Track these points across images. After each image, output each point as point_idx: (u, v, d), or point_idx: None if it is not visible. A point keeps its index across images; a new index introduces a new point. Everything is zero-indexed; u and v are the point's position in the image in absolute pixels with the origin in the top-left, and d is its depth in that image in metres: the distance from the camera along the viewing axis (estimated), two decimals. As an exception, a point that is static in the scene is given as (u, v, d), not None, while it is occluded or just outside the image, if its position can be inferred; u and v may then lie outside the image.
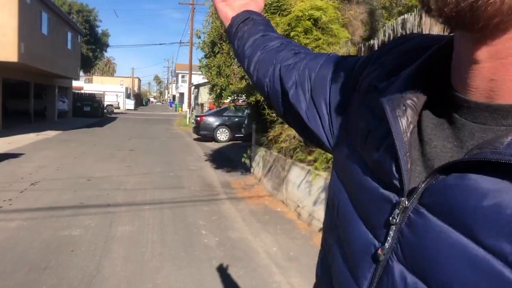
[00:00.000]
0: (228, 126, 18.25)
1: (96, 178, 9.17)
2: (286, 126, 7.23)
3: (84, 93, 38.23)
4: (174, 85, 75.48)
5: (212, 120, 18.25)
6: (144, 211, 6.72)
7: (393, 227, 0.52)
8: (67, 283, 4.04)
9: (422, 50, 0.61)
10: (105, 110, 38.24)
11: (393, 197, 0.53)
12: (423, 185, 0.50)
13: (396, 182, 0.53)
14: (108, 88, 58.19)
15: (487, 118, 0.49)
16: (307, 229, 6.11)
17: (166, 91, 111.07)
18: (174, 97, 70.49)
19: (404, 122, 0.54)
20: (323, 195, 5.84)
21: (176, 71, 65.75)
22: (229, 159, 12.78)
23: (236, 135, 18.02)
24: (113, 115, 38.58)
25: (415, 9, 6.92)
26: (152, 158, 12.60)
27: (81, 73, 40.17)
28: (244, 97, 8.73)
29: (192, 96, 36.82)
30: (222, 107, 17.00)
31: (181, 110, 49.98)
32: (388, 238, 0.53)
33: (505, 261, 0.41)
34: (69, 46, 25.83)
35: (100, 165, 10.88)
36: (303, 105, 0.81)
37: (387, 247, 0.53)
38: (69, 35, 25.73)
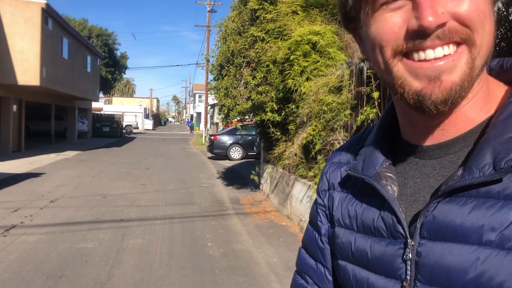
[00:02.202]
0: (241, 145, 18.67)
1: (112, 196, 9.63)
2: (290, 143, 7.60)
3: (104, 114, 39.32)
4: (191, 105, 76.69)
5: (226, 139, 18.72)
6: (155, 226, 7.12)
7: (408, 262, 0.66)
8: (81, 289, 4.43)
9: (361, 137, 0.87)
10: (123, 130, 39.17)
11: (400, 242, 0.68)
12: (418, 225, 0.65)
13: (401, 230, 0.68)
14: (127, 109, 59.58)
15: (439, 154, 0.69)
16: (308, 242, 6.41)
17: (184, 111, 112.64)
18: (192, 116, 71.55)
19: (389, 188, 0.71)
20: (322, 209, 6.16)
21: (194, 91, 66.80)
22: (241, 176, 13.15)
23: (249, 153, 18.43)
24: (132, 135, 39.47)
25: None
26: (167, 176, 13.06)
27: (101, 95, 41.30)
28: (250, 117, 9.16)
29: (208, 115, 37.47)
30: (242, 125, 17.44)
31: (198, 129, 50.78)
32: (408, 271, 0.66)
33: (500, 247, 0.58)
34: (88, 69, 26.79)
35: (116, 184, 11.37)
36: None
37: (409, 278, 0.66)
38: (89, 58, 26.71)
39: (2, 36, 16.35)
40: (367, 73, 5.04)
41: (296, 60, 6.80)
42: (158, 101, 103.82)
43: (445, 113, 0.65)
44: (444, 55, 0.60)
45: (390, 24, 0.63)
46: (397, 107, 0.74)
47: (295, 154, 7.18)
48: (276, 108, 7.89)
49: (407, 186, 0.71)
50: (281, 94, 7.59)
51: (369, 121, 4.97)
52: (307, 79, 6.79)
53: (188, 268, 5.15)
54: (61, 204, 8.59)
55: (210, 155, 19.69)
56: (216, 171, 14.85)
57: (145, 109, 66.87)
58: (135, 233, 6.66)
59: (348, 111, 5.60)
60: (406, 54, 0.62)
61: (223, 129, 22.26)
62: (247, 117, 9.45)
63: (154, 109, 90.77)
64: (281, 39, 7.50)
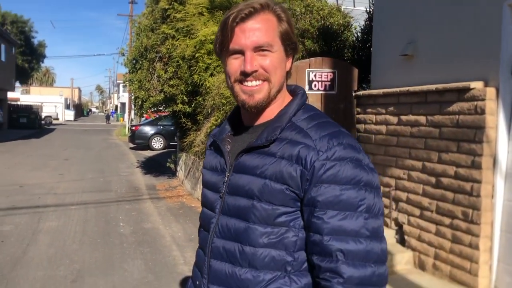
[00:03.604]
0: (163, 135, 19.12)
1: (29, 185, 9.87)
2: (199, 132, 8.36)
3: (21, 104, 37.58)
4: (116, 95, 74.73)
5: (147, 129, 19.07)
6: (70, 210, 7.61)
7: (225, 183, 1.23)
8: (-3, 264, 4.94)
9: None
10: (43, 122, 37.77)
11: (225, 173, 1.25)
12: (233, 165, 1.22)
13: (225, 167, 1.25)
14: (47, 99, 57.07)
15: (252, 131, 1.25)
16: (211, 219, 7.25)
17: (109, 101, 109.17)
18: (116, 107, 69.85)
19: (226, 146, 1.28)
20: (223, 189, 7.01)
21: (118, 81, 65.01)
22: (160, 165, 13.69)
23: (170, 143, 18.85)
24: (52, 127, 38.18)
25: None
26: (86, 166, 13.32)
27: (17, 84, 39.40)
28: (163, 108, 9.81)
29: (132, 105, 37.17)
30: (157, 116, 17.84)
31: (123, 120, 49.96)
32: (224, 187, 1.23)
33: (262, 177, 1.14)
34: (2, 58, 25.73)
35: (34, 174, 11.52)
36: None
37: (223, 191, 1.23)
38: (3, 46, 25.65)
39: None
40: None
41: (201, 58, 7.56)
42: (80, 90, 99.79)
43: (259, 111, 1.22)
44: (256, 85, 1.17)
45: (233, 66, 1.17)
46: (241, 107, 1.27)
47: (202, 142, 7.97)
48: (186, 100, 8.61)
49: (234, 146, 1.27)
50: (190, 87, 8.32)
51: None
52: (211, 75, 7.58)
53: (99, 244, 5.79)
54: (-25, 194, 8.74)
55: (132, 145, 19.95)
56: (137, 161, 15.28)
57: (66, 99, 64.35)
58: (51, 217, 7.12)
59: (242, 104, 6.46)
60: (241, 81, 1.18)
61: (146, 119, 22.53)
62: (161, 108, 10.08)
63: (76, 99, 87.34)
64: (189, 37, 8.19)
